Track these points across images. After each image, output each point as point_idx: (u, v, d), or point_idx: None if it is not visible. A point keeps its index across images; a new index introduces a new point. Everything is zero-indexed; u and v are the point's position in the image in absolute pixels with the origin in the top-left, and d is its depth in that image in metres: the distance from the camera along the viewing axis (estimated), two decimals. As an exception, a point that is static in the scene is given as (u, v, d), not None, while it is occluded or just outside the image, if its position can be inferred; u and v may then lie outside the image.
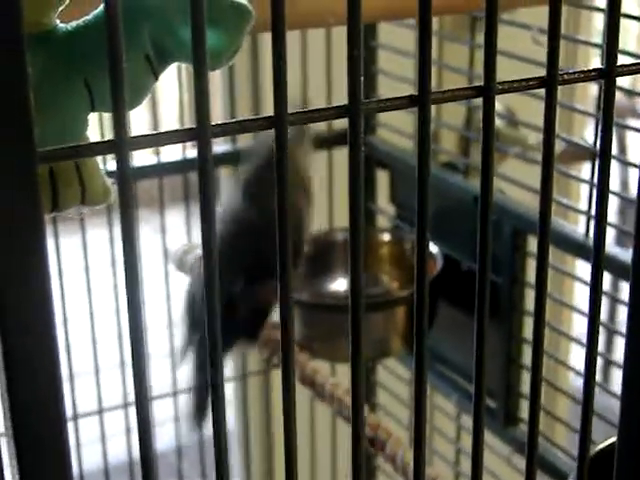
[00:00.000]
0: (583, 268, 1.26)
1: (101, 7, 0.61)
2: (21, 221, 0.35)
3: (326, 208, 1.43)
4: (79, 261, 1.39)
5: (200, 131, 0.36)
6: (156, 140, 0.37)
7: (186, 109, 1.44)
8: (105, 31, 0.58)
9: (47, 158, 0.35)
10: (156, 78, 0.60)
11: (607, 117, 0.46)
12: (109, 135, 0.39)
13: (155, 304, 1.41)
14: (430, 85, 0.40)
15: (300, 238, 1.16)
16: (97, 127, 1.21)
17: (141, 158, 1.39)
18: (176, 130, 0.37)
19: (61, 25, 0.59)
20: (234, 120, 0.38)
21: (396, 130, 1.40)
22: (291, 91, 0.39)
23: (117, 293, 1.39)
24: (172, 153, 1.39)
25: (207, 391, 1.16)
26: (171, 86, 1.53)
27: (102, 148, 0.36)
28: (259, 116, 0.38)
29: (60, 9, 0.58)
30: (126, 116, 0.36)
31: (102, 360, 1.44)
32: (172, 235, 1.46)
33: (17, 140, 0.34)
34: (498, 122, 1.72)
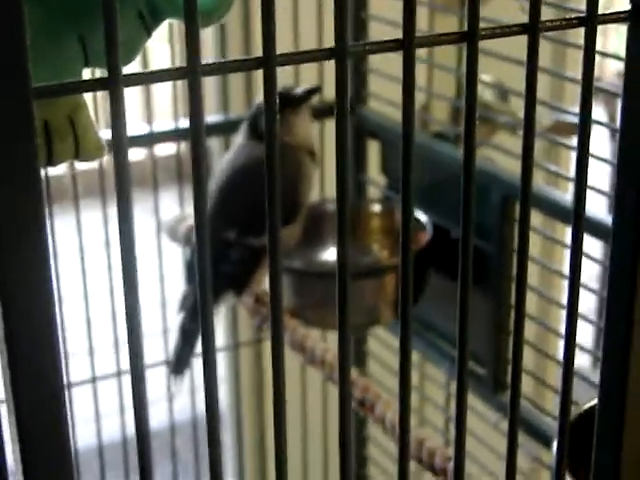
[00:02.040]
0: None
1: (94, -36, 0.62)
2: (16, 156, 0.36)
3: (317, 179, 1.44)
4: (73, 242, 1.40)
5: (190, 69, 0.37)
6: (148, 77, 0.38)
7: (180, 103, 1.45)
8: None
9: (42, 93, 0.36)
10: (149, 35, 0.61)
11: (588, 66, 0.47)
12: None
13: (148, 284, 1.43)
14: (415, 29, 0.42)
15: (298, 194, 1.18)
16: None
17: (134, 128, 1.40)
18: (167, 69, 0.38)
19: (55, -19, 0.60)
20: (224, 60, 0.39)
21: (387, 101, 1.41)
22: (282, 35, 0.40)
23: (111, 274, 1.40)
24: (164, 123, 1.40)
25: (189, 350, 1.19)
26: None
27: (96, 85, 0.37)
28: (248, 57, 0.39)
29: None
30: (118, 55, 0.37)
31: (96, 340, 1.45)
32: (165, 215, 1.47)
33: (13, 76, 0.35)
34: (489, 95, 1.73)
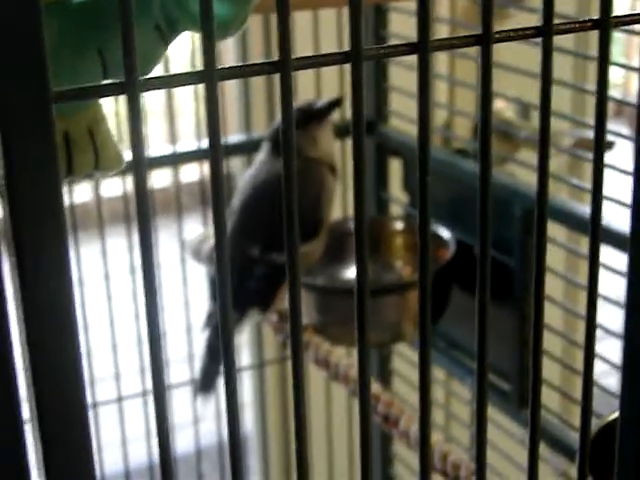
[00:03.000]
0: (602, 251, 1.26)
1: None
2: (37, 158, 0.37)
3: (340, 198, 1.44)
4: (99, 269, 1.41)
5: (207, 72, 0.38)
6: (166, 81, 0.39)
7: (202, 122, 1.46)
8: (116, 1, 0.59)
9: (61, 97, 0.36)
10: (166, 47, 0.62)
11: (603, 68, 0.47)
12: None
13: (174, 307, 1.44)
14: (429, 32, 0.42)
15: (321, 209, 1.18)
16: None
17: (157, 149, 1.41)
18: (185, 72, 0.39)
19: (75, -5, 0.61)
20: (240, 64, 0.39)
21: (408, 119, 1.42)
22: (302, 39, 0.41)
23: (136, 300, 1.41)
24: (187, 144, 1.41)
25: (215, 367, 1.18)
26: (188, 100, 1.55)
27: (114, 89, 0.37)
28: (264, 60, 0.40)
29: (74, -21, 0.60)
30: (135, 60, 0.37)
31: (122, 366, 1.46)
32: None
33: (33, 80, 0.36)
34: (511, 114, 1.73)
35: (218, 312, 0.43)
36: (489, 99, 0.44)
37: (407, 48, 0.42)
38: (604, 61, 0.47)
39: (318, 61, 0.41)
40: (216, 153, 0.38)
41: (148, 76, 0.61)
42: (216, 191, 0.39)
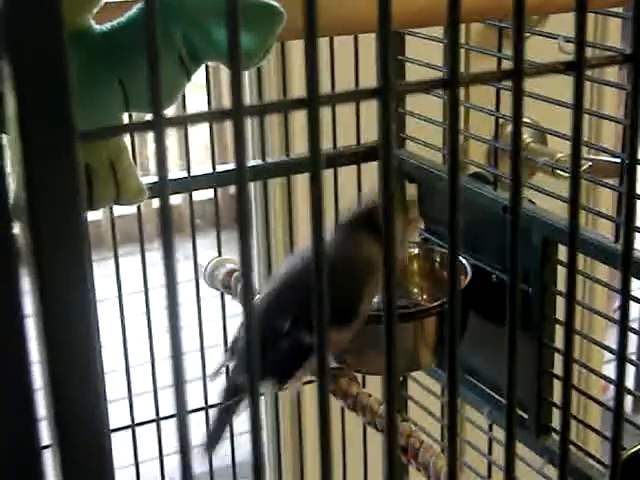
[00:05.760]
0: (617, 277, 1.25)
1: (134, 10, 0.63)
2: (61, 198, 0.36)
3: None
4: (112, 289, 1.40)
5: (235, 109, 0.37)
6: (191, 119, 0.38)
7: (216, 140, 1.45)
8: (139, 32, 0.59)
9: (87, 136, 0.36)
10: (189, 77, 0.61)
11: (636, 101, 0.46)
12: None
13: (187, 330, 1.42)
14: (459, 68, 0.41)
15: (361, 300, 1.13)
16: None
17: (171, 173, 1.40)
18: (211, 111, 0.38)
19: (96, 26, 0.60)
20: (268, 102, 0.39)
21: (424, 143, 1.41)
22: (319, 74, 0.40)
23: (150, 320, 1.39)
24: (202, 168, 1.40)
25: (224, 428, 1.13)
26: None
27: (139, 127, 0.37)
28: (292, 98, 0.39)
29: (95, 10, 0.60)
30: (161, 95, 0.36)
31: (135, 386, 1.44)
32: (202, 261, 1.47)
33: (58, 119, 0.35)
34: (527, 138, 1.73)
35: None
36: (520, 134, 0.44)
37: (438, 84, 0.41)
38: (636, 95, 0.46)
39: (346, 97, 0.40)
40: (242, 193, 0.37)
41: (171, 107, 0.61)
42: (243, 231, 0.38)
